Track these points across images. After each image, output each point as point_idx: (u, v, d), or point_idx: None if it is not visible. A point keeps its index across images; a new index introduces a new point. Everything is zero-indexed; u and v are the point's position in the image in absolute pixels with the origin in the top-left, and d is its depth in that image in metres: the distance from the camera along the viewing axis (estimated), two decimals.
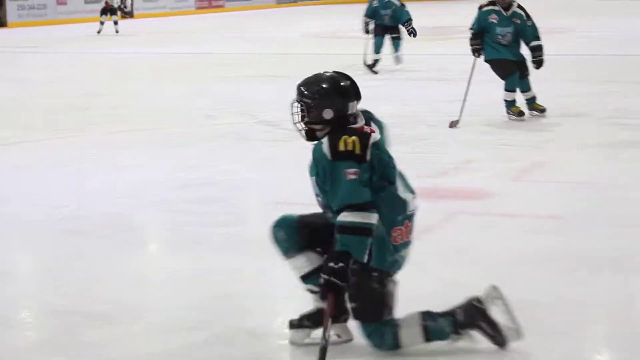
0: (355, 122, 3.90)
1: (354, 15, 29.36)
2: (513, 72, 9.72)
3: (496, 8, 9.86)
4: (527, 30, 9.76)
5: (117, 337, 4.23)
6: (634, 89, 11.65)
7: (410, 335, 3.90)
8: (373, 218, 3.77)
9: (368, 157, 3.81)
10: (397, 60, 14.82)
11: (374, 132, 3.88)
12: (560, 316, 4.34)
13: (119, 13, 24.38)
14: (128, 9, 30.35)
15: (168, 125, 10.08)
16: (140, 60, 18.13)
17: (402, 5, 14.57)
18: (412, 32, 14.43)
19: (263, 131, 9.58)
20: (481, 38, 9.86)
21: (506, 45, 9.76)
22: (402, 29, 14.58)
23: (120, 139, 9.31)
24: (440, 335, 3.90)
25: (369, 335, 3.93)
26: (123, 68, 16.77)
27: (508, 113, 9.77)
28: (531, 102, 9.98)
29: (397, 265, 3.92)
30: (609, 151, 8.19)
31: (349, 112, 3.89)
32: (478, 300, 3.89)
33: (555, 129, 9.25)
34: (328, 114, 3.89)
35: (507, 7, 9.84)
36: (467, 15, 28.43)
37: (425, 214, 6.05)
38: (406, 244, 3.93)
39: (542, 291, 4.66)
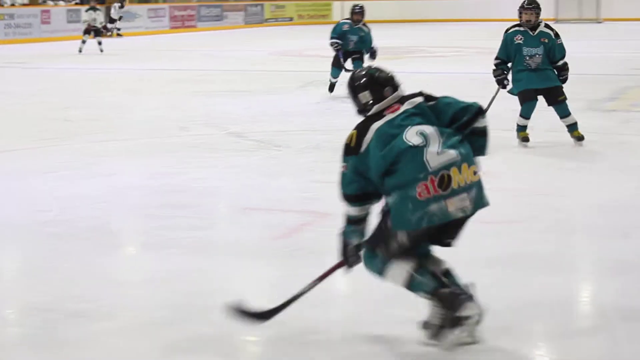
0: (372, 109, 4.04)
1: (317, 35, 29.36)
2: (531, 99, 8.84)
3: (522, 29, 8.90)
4: (556, 49, 8.81)
5: (96, 334, 4.22)
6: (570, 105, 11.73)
7: (395, 275, 3.90)
8: (351, 210, 3.99)
9: (363, 148, 3.92)
10: None
11: (397, 109, 3.97)
12: (512, 314, 4.38)
13: (103, 32, 24.15)
14: (118, 30, 30.22)
15: (144, 136, 10.05)
16: (119, 76, 18.04)
17: (369, 30, 13.44)
18: (374, 56, 13.14)
19: (232, 142, 9.58)
20: (504, 68, 8.91)
21: (534, 69, 8.76)
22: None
23: (100, 148, 9.27)
24: (417, 290, 3.89)
25: (364, 256, 4.01)
26: (103, 82, 16.67)
27: (517, 137, 9.00)
28: (572, 129, 8.90)
29: (426, 220, 3.78)
30: (550, 161, 8.28)
31: (363, 102, 4.07)
32: (470, 299, 3.86)
33: (502, 141, 9.29)
34: (354, 108, 4.17)
35: (534, 28, 8.87)
36: (423, 36, 28.24)
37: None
38: (436, 198, 3.77)
39: (494, 291, 4.69)
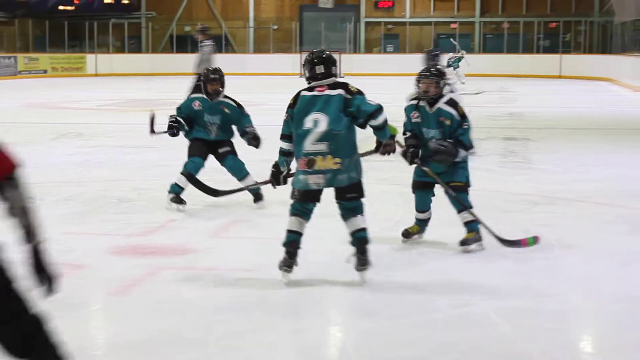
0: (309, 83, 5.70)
1: (72, 87, 28.79)
2: (422, 188, 6.78)
3: (421, 103, 6.70)
4: (464, 138, 6.59)
5: None
6: None
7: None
8: (283, 145, 5.75)
9: (294, 106, 5.62)
10: (259, 199, 8.45)
11: (322, 90, 5.58)
12: (253, 356, 4.43)
13: None
14: None
15: None
16: None
17: (240, 106, 8.43)
18: (255, 141, 8.29)
19: None
20: (413, 141, 6.67)
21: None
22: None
23: None
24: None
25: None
26: None
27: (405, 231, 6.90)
28: (470, 229, 6.65)
29: (298, 183, 5.62)
30: None
31: (306, 75, 5.71)
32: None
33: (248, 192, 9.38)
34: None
35: (432, 102, 6.67)
36: (174, 89, 28.16)
37: (131, 270, 6.06)
38: (304, 172, 5.54)
39: (239, 334, 4.75)
